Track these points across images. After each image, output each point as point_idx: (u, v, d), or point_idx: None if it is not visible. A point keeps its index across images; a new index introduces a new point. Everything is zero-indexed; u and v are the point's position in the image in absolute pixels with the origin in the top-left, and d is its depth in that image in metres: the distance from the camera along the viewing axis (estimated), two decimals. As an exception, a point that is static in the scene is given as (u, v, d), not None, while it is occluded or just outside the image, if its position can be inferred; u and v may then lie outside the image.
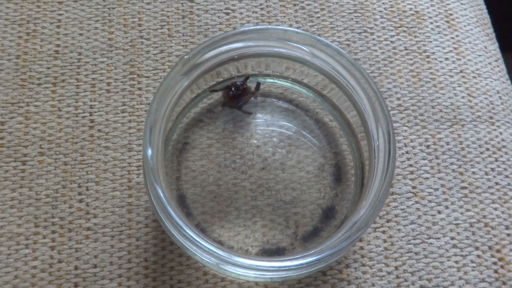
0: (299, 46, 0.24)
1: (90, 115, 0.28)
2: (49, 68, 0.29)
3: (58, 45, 0.30)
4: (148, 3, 0.32)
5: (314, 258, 0.20)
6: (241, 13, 0.32)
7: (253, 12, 0.32)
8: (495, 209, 0.27)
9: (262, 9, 0.32)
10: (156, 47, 0.30)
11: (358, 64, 0.24)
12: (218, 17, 0.32)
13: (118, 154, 0.28)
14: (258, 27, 0.24)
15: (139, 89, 0.29)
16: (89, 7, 0.31)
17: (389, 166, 0.21)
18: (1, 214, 0.26)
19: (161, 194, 0.20)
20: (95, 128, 0.28)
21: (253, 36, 0.23)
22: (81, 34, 0.30)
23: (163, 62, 0.30)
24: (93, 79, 0.29)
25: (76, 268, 0.25)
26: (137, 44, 0.30)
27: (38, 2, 0.31)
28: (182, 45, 0.31)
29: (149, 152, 0.20)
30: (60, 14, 0.31)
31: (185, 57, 0.23)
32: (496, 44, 0.33)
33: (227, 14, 0.32)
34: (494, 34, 0.34)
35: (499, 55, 0.33)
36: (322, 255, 0.20)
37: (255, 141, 0.28)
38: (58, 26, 0.31)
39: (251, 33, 0.23)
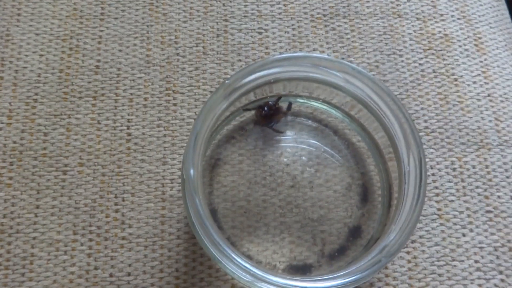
0: (333, 72, 0.25)
1: (128, 129, 0.30)
2: (90, 82, 0.31)
3: (98, 60, 0.31)
4: (184, 22, 0.33)
5: (347, 280, 0.21)
6: (273, 33, 0.33)
7: (285, 32, 0.33)
8: (520, 234, 0.28)
9: (293, 29, 0.33)
10: (191, 64, 0.32)
11: (391, 91, 0.25)
12: (251, 36, 0.33)
13: (153, 167, 0.29)
14: (295, 54, 0.25)
15: (174, 104, 0.30)
16: (129, 24, 0.33)
17: (420, 192, 0.22)
18: (43, 221, 0.27)
19: (202, 212, 0.21)
20: (132, 141, 0.29)
21: (290, 62, 0.24)
22: (120, 50, 0.32)
23: (197, 79, 0.31)
24: (131, 94, 0.31)
25: (111, 275, 0.26)
26: (173, 61, 0.32)
27: (81, 18, 0.33)
28: (216, 63, 0.32)
29: (192, 172, 0.22)
30: (101, 31, 0.32)
31: (226, 81, 0.24)
32: (525, 68, 0.34)
33: (260, 33, 0.33)
34: (522, 58, 0.34)
35: (527, 80, 0.33)
36: (354, 277, 0.21)
37: (284, 159, 0.29)
38: (99, 42, 0.32)
39: (289, 60, 0.24)
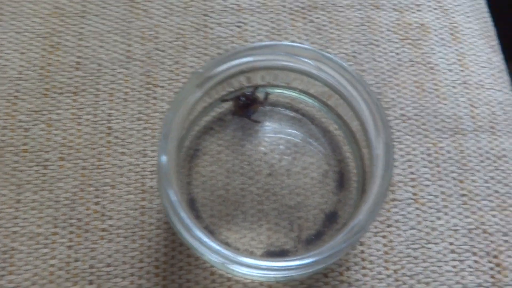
0: (306, 60, 0.26)
1: (108, 123, 0.30)
2: (70, 78, 0.31)
3: (79, 57, 0.32)
4: (164, 17, 0.33)
5: (314, 259, 0.21)
6: (252, 26, 0.33)
7: (264, 25, 0.33)
8: (494, 216, 0.28)
9: (272, 22, 0.33)
10: (171, 58, 0.32)
11: (361, 77, 0.25)
12: (231, 30, 0.33)
13: (133, 160, 0.29)
14: (267, 43, 0.25)
15: (155, 98, 0.31)
16: (110, 20, 0.33)
17: (387, 174, 0.23)
18: (23, 215, 0.28)
19: (173, 198, 0.21)
20: (112, 135, 0.30)
21: (263, 51, 0.25)
22: (101, 47, 0.32)
23: (177, 73, 0.32)
24: (112, 88, 0.31)
25: (91, 266, 0.27)
26: (154, 55, 0.32)
27: (62, 16, 0.33)
28: (196, 57, 0.32)
29: (164, 159, 0.22)
30: (82, 28, 0.33)
31: (199, 70, 0.24)
32: (501, 56, 0.34)
33: (239, 27, 0.33)
34: (498, 46, 0.34)
35: (503, 67, 0.34)
36: (321, 256, 0.21)
37: (262, 148, 0.29)
38: (80, 39, 0.32)
39: (261, 48, 0.25)
